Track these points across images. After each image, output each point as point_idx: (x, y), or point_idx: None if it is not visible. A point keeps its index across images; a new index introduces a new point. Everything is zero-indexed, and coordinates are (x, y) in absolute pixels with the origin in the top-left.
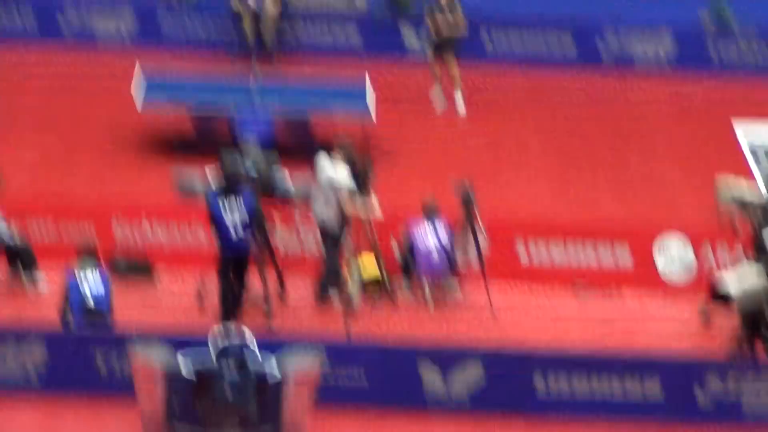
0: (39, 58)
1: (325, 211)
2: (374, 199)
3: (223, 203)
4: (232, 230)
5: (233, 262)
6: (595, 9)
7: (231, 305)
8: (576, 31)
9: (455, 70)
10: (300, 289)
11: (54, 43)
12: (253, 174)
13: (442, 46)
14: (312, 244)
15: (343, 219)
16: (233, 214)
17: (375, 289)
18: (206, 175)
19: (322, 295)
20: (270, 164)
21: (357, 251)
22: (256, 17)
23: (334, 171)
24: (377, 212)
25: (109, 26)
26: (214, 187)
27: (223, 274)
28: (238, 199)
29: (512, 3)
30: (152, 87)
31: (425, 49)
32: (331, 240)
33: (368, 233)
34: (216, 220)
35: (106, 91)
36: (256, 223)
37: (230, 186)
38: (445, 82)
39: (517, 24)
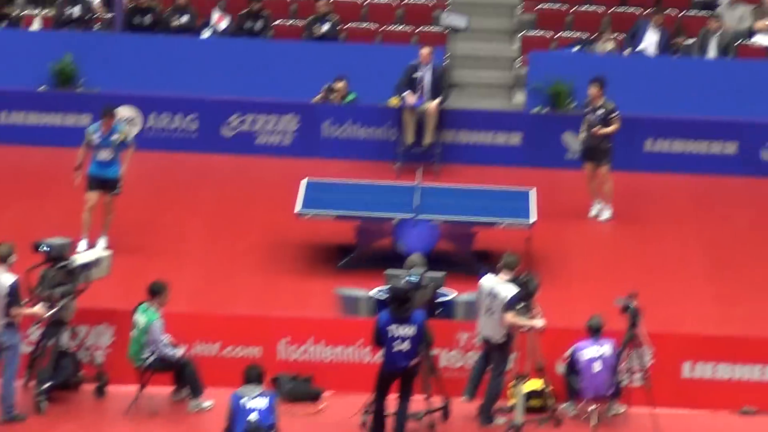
0: (203, 167)
1: (489, 326)
2: (539, 314)
3: (392, 321)
4: (399, 348)
5: (399, 380)
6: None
7: (383, 425)
8: (740, 139)
9: (607, 180)
10: (464, 409)
11: (217, 150)
12: (419, 290)
13: (592, 153)
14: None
15: (509, 335)
16: (402, 333)
17: (539, 409)
18: (370, 295)
19: (486, 418)
20: (435, 282)
21: (521, 373)
22: (417, 117)
23: (500, 285)
24: (541, 323)
25: (271, 133)
26: (381, 303)
27: (380, 391)
28: (408, 319)
29: (674, 107)
30: (314, 195)
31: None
32: (497, 356)
33: (533, 351)
34: (384, 339)
35: (267, 199)
36: (424, 342)
37: (398, 304)
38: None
39: (682, 131)
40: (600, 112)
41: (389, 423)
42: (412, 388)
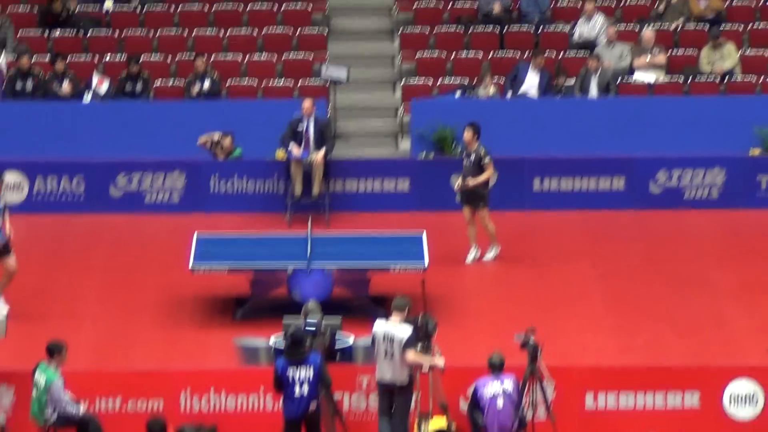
0: (93, 227)
1: (390, 370)
2: (438, 353)
3: (290, 366)
4: (299, 392)
5: (302, 425)
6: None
7: None
8: (628, 173)
9: (487, 222)
10: None
11: (106, 210)
12: (317, 335)
13: (469, 197)
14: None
15: (410, 376)
16: (300, 376)
17: None
18: (269, 342)
19: None
20: (332, 328)
21: (424, 412)
22: (304, 168)
23: (394, 328)
24: (442, 361)
25: (159, 191)
26: (279, 351)
27: None
28: (305, 361)
29: (560, 147)
30: (206, 249)
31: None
32: (400, 399)
33: (435, 390)
34: (284, 384)
35: (159, 256)
36: (323, 384)
37: (296, 349)
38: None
39: (569, 169)
40: (473, 157)
41: None
42: (318, 429)
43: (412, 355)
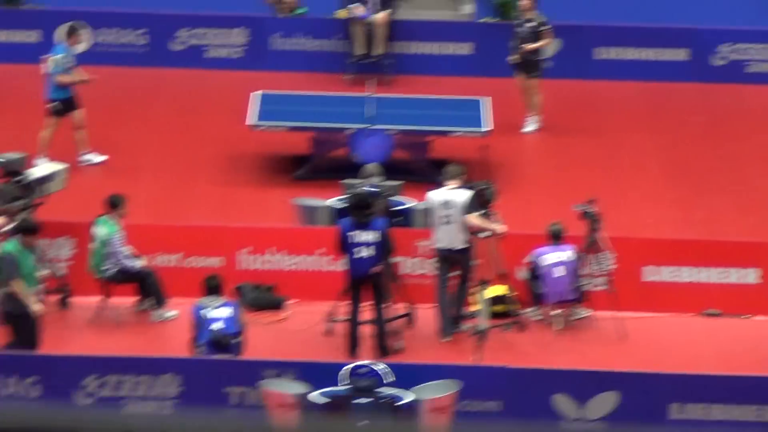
0: (154, 81)
1: (448, 236)
2: (498, 220)
3: (354, 227)
4: (362, 254)
5: (365, 286)
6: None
7: (358, 331)
8: (692, 45)
9: (535, 92)
10: (429, 317)
11: (167, 64)
12: (379, 198)
13: (522, 64)
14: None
15: (469, 242)
16: (364, 239)
17: (503, 314)
18: (327, 204)
19: (451, 326)
20: (392, 191)
21: (483, 280)
22: (366, 28)
23: (451, 193)
24: (502, 228)
25: (220, 47)
26: (338, 212)
27: (352, 299)
28: (370, 224)
29: (624, 14)
30: (267, 107)
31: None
32: (461, 265)
33: (494, 257)
34: (346, 245)
35: (220, 113)
36: (386, 249)
37: (360, 210)
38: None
39: (632, 38)
40: (530, 24)
41: (365, 331)
42: (384, 294)
43: (473, 219)
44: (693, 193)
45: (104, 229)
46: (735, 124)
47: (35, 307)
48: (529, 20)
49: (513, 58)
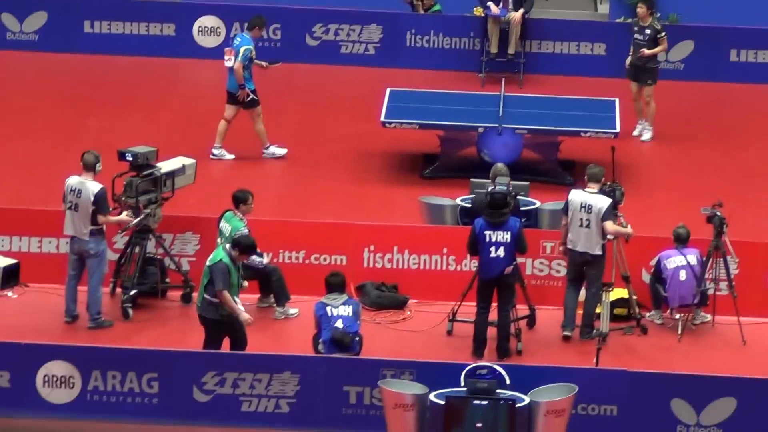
0: (288, 77)
1: (584, 239)
2: (623, 222)
3: (488, 227)
4: (494, 254)
5: (496, 287)
6: None
7: (485, 331)
8: None
9: (650, 101)
10: (549, 317)
11: (301, 60)
12: (510, 198)
13: (637, 72)
14: (562, 272)
15: (603, 247)
16: (498, 238)
17: (625, 317)
18: (455, 203)
19: (588, 331)
20: (520, 191)
21: (608, 282)
22: (501, 26)
23: (592, 197)
24: (631, 231)
25: (355, 43)
26: (466, 213)
27: (481, 299)
28: (504, 224)
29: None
30: (398, 104)
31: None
32: (594, 270)
33: (618, 260)
34: (480, 244)
35: (351, 108)
36: (520, 250)
37: (495, 209)
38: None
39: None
40: (648, 32)
41: (489, 332)
42: (511, 295)
43: (612, 226)
44: None
45: (230, 224)
46: None
47: (244, 315)
48: (646, 27)
49: (628, 63)
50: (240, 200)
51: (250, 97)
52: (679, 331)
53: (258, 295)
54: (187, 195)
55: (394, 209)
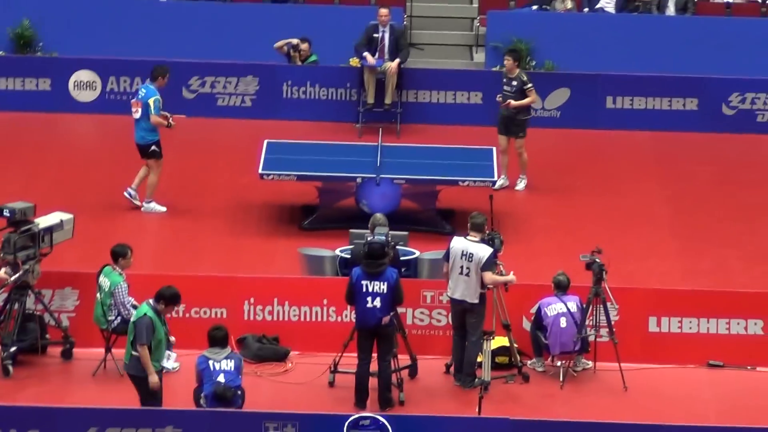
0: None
1: (463, 287)
2: (503, 271)
3: (365, 276)
4: (371, 304)
5: (373, 337)
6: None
7: (367, 382)
8: (701, 95)
9: (521, 152)
10: (431, 367)
11: (177, 112)
12: (389, 248)
13: (506, 125)
14: (444, 321)
15: (481, 295)
16: (374, 288)
17: (506, 365)
18: (334, 254)
19: (469, 380)
20: (399, 241)
21: (488, 330)
22: (378, 77)
23: (473, 246)
24: (514, 279)
25: (232, 95)
26: (345, 264)
27: (360, 350)
28: (381, 275)
29: (634, 64)
30: (275, 156)
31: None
32: (474, 318)
33: (498, 308)
34: (356, 294)
35: (229, 160)
36: (395, 297)
37: (372, 260)
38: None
39: (643, 88)
40: (515, 83)
41: (371, 382)
42: (390, 345)
43: (490, 277)
44: (700, 244)
45: (109, 279)
46: (744, 174)
47: (153, 378)
48: (513, 78)
49: (499, 115)
50: (119, 255)
51: (152, 148)
52: (561, 379)
53: None
54: (65, 250)
55: (274, 261)
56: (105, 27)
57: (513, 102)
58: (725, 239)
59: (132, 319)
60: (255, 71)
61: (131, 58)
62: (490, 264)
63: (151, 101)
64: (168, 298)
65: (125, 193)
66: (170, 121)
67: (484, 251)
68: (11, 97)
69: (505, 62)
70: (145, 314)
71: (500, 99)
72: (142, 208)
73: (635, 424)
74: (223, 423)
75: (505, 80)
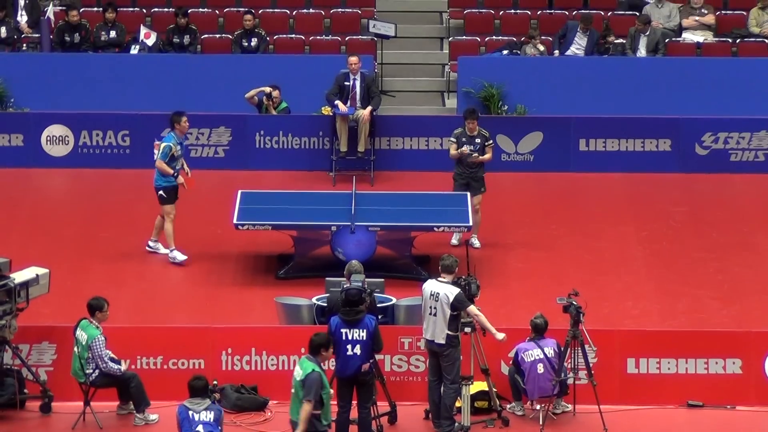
0: (137, 181)
1: (431, 328)
2: (481, 315)
3: (344, 325)
4: (350, 352)
5: (353, 385)
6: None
7: (347, 429)
8: (675, 136)
9: (478, 209)
10: (411, 414)
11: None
12: (366, 295)
13: (469, 182)
14: (422, 368)
15: (450, 338)
16: (353, 336)
17: (485, 410)
18: (311, 303)
19: (448, 425)
20: (375, 288)
21: (467, 375)
22: (350, 125)
23: (440, 287)
24: (501, 336)
25: (204, 146)
26: (322, 312)
27: (340, 398)
28: (359, 322)
29: (607, 107)
30: (250, 206)
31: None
32: (446, 363)
33: (477, 352)
34: (335, 342)
35: (203, 212)
36: (374, 344)
37: (350, 308)
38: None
39: (615, 130)
40: (478, 141)
41: (351, 430)
42: (370, 392)
43: (474, 309)
44: (676, 284)
45: (86, 332)
46: (718, 213)
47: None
48: (476, 137)
49: (458, 175)
50: (95, 308)
51: (159, 193)
52: (541, 422)
53: (117, 403)
54: (41, 305)
55: (251, 311)
56: (76, 82)
57: (478, 156)
58: (700, 279)
59: (299, 378)
60: (227, 122)
61: (103, 111)
62: (463, 302)
63: (160, 146)
64: (324, 344)
65: (147, 248)
66: (178, 175)
67: (451, 291)
68: None
69: (469, 125)
70: (312, 370)
71: (471, 149)
72: (169, 257)
73: None
74: None
75: (465, 139)
